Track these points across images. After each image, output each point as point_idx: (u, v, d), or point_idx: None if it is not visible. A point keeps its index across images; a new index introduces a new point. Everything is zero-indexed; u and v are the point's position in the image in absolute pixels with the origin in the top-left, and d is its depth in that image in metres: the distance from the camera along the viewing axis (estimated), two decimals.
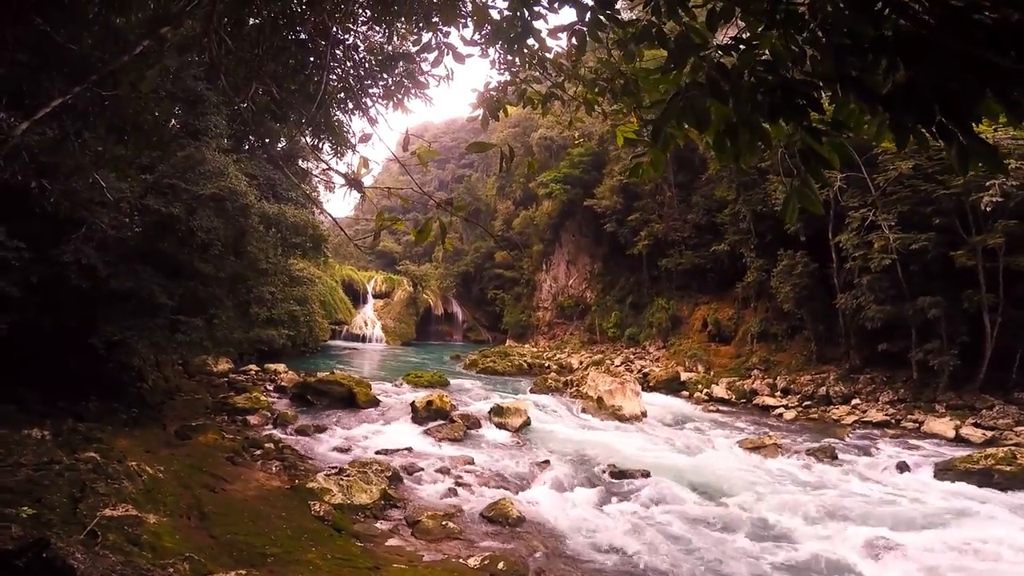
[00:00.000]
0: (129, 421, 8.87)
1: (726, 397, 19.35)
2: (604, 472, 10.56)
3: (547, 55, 3.47)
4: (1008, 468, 9.84)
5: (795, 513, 8.53)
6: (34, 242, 6.91)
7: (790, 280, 18.73)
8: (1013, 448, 10.70)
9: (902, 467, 10.98)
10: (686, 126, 2.34)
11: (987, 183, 12.87)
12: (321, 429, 12.12)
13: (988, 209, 12.89)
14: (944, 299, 14.26)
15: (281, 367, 18.41)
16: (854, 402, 16.40)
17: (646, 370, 24.39)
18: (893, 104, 1.93)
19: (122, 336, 8.60)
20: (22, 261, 6.72)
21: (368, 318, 38.62)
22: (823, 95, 2.12)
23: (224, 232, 9.32)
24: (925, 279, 14.85)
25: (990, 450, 10.74)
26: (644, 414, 16.02)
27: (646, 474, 10.23)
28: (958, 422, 13.49)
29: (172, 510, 5.59)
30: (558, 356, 30.49)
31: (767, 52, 2.15)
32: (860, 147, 15.04)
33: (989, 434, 12.80)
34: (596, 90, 3.50)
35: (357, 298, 39.82)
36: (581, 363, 27.27)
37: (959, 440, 12.97)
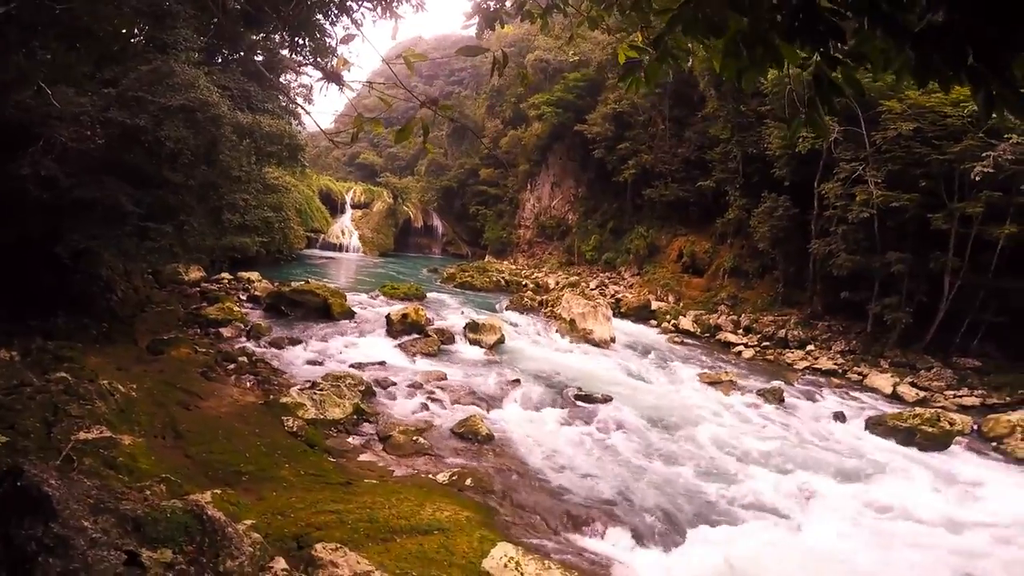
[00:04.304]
0: (99, 337, 8.84)
1: (691, 330, 20.12)
2: (570, 394, 11.07)
3: None
4: (930, 429, 10.38)
5: (738, 451, 9.14)
6: None
7: (769, 221, 19.01)
8: (939, 411, 11.27)
9: (839, 417, 11.54)
10: (690, 47, 2.24)
11: (983, 154, 12.79)
12: (295, 342, 12.21)
13: (977, 179, 12.87)
14: (912, 257, 14.61)
15: (255, 275, 18.18)
16: (809, 348, 17.20)
17: (619, 296, 24.98)
18: (923, 44, 1.85)
19: (88, 244, 8.41)
20: None
21: (346, 228, 37.94)
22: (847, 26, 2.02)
23: (194, 142, 8.91)
24: (898, 237, 15.12)
25: (919, 410, 11.26)
26: (613, 339, 16.67)
27: (608, 399, 10.81)
28: (897, 379, 14.17)
29: (147, 430, 5.78)
30: (536, 275, 30.83)
31: None
32: (864, 103, 14.67)
33: (922, 394, 13.43)
34: (603, 5, 3.19)
35: (335, 208, 38.83)
36: (557, 283, 27.71)
37: (895, 397, 13.60)
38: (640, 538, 6.20)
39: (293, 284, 15.97)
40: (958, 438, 10.47)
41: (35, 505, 3.27)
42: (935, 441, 10.23)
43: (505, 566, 4.56)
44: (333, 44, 9.22)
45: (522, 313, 19.36)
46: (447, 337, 13.99)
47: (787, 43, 2.01)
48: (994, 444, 10.61)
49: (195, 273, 16.36)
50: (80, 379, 5.98)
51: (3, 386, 5.14)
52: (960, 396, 13.25)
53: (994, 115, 1.92)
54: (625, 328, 18.96)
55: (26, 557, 2.78)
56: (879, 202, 14.70)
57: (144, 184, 8.78)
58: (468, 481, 6.79)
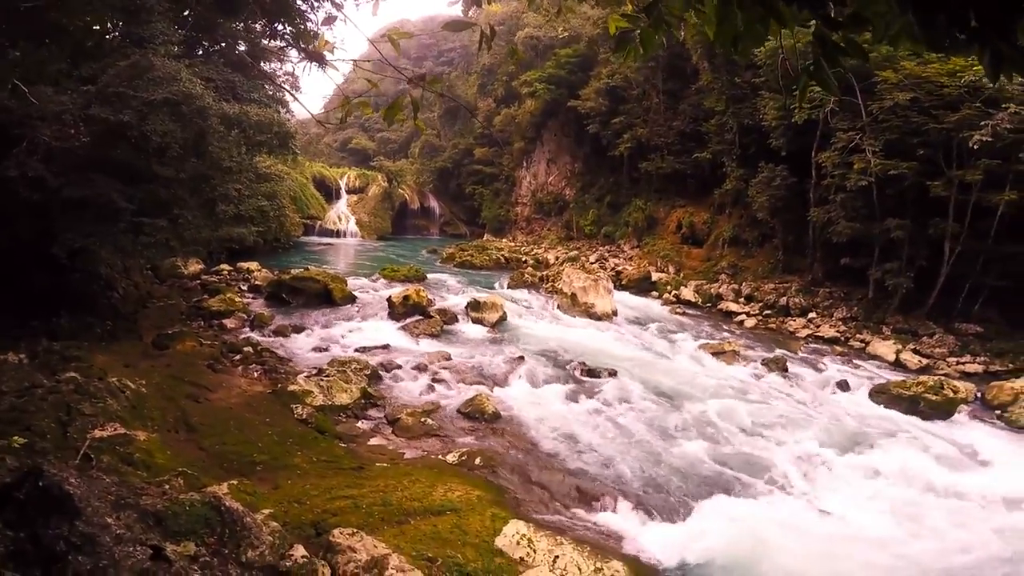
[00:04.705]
0: (104, 334, 8.89)
1: (693, 300, 20.17)
2: (575, 369, 11.18)
3: None
4: (934, 398, 10.29)
5: (742, 421, 9.16)
6: None
7: (768, 191, 18.98)
8: (942, 378, 11.19)
9: (843, 386, 11.50)
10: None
11: (981, 123, 12.70)
12: (299, 329, 12.27)
13: (975, 147, 12.79)
14: (912, 223, 14.58)
15: (254, 265, 18.18)
16: (810, 315, 17.19)
17: (619, 268, 24.99)
18: (924, 5, 1.83)
19: (84, 243, 8.38)
20: None
21: (342, 213, 37.72)
22: None
23: (181, 134, 8.81)
24: (897, 204, 15.06)
25: (922, 378, 11.12)
26: (615, 313, 16.74)
27: (613, 373, 10.91)
28: (900, 346, 14.13)
29: (160, 424, 5.87)
30: (535, 251, 30.80)
31: None
32: (860, 73, 14.50)
33: (925, 362, 13.36)
34: None
35: (330, 194, 38.56)
36: (557, 259, 27.70)
37: (897, 364, 13.50)
38: (650, 511, 6.29)
39: (293, 272, 15.96)
40: (962, 406, 10.38)
41: (58, 504, 3.33)
42: (939, 409, 10.17)
43: (518, 543, 4.70)
44: (315, 28, 9.09)
45: (523, 289, 19.43)
46: (449, 317, 14.06)
47: (786, 5, 1.97)
48: (998, 412, 10.54)
49: (194, 266, 16.35)
50: (89, 378, 6.05)
51: (15, 389, 5.21)
52: (963, 363, 13.20)
53: (1002, 76, 1.90)
54: (627, 300, 19.02)
55: (56, 556, 2.86)
56: (877, 170, 14.66)
57: (134, 180, 8.74)
58: (477, 460, 6.91)
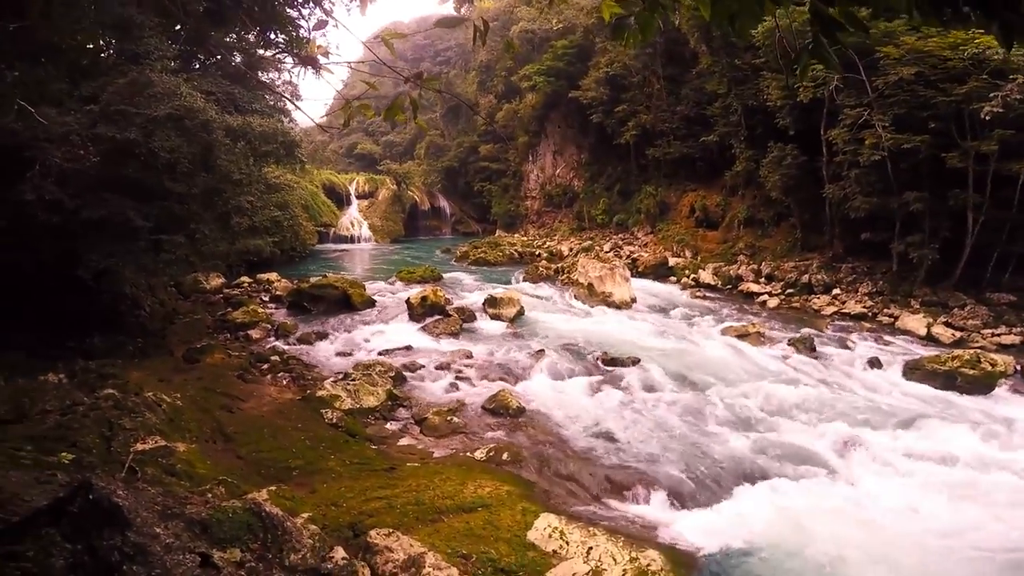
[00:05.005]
0: (136, 352, 9.17)
1: (712, 283, 19.97)
2: (596, 360, 11.18)
3: None
4: (971, 372, 9.92)
5: (772, 404, 8.99)
6: None
7: (779, 170, 18.80)
8: (978, 351, 10.85)
9: (874, 363, 11.18)
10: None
11: (991, 94, 12.40)
12: (322, 336, 12.49)
13: (987, 118, 12.49)
14: (930, 196, 14.30)
15: (273, 276, 18.50)
16: (835, 292, 16.86)
17: (635, 255, 24.83)
18: None
19: (107, 264, 8.60)
20: None
21: (354, 219, 38.14)
22: None
23: (188, 149, 8.96)
24: (913, 177, 14.78)
25: (957, 352, 10.77)
26: (633, 300, 16.67)
27: (636, 361, 10.87)
28: (930, 320, 13.74)
29: (197, 435, 6.05)
30: (548, 244, 30.77)
31: None
32: (861, 50, 14.29)
33: (958, 335, 12.95)
34: None
35: (341, 201, 38.97)
36: (571, 250, 27.63)
37: (930, 339, 13.08)
38: (684, 499, 6.24)
39: (312, 280, 16.23)
40: (1001, 380, 9.99)
41: (109, 516, 3.44)
42: (977, 384, 9.82)
43: (550, 536, 4.74)
44: (307, 34, 9.18)
45: (538, 283, 19.45)
46: (468, 315, 14.16)
47: None
48: None
49: (216, 280, 16.70)
50: (127, 393, 6.25)
51: (58, 407, 5.42)
52: (999, 335, 12.74)
53: (1016, 45, 1.87)
54: (645, 287, 18.92)
55: (111, 567, 2.98)
56: (889, 145, 14.44)
57: (149, 197, 8.90)
58: (505, 456, 6.97)
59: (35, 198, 7.18)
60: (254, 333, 12.23)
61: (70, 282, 8.36)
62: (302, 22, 8.43)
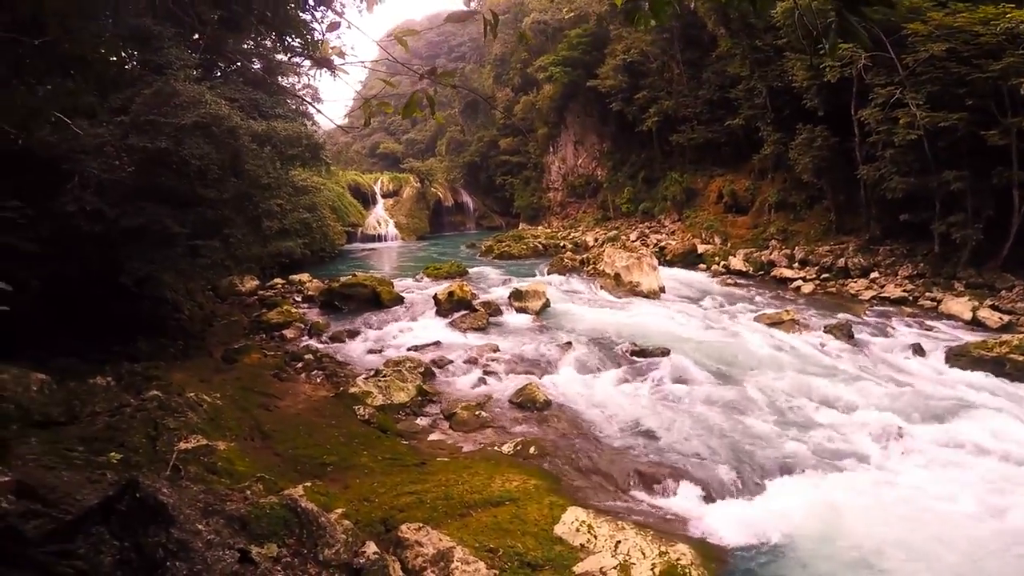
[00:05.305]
0: (178, 354, 9.58)
1: (743, 269, 19.49)
2: (625, 351, 11.04)
3: None
4: (1020, 358, 9.37)
5: (810, 394, 8.68)
6: (32, 199, 6.97)
7: (810, 152, 18.28)
8: None
9: (917, 350, 10.70)
10: None
11: None
12: (353, 334, 12.76)
13: None
14: (971, 174, 13.63)
15: (305, 277, 19.00)
16: (872, 275, 16.24)
17: (662, 244, 24.45)
18: None
19: (148, 270, 9.00)
20: (27, 218, 6.83)
21: (380, 218, 38.80)
22: None
23: (217, 156, 9.24)
24: (952, 155, 14.13)
25: (1005, 336, 10.20)
26: (662, 289, 16.42)
27: (665, 352, 10.67)
28: (976, 303, 13.06)
29: (237, 434, 6.30)
30: (572, 235, 30.59)
31: None
32: (887, 27, 13.73)
33: (1006, 318, 12.26)
34: None
35: (366, 200, 39.69)
36: (596, 240, 27.40)
37: (975, 323, 12.46)
38: (715, 492, 6.11)
39: (342, 279, 16.59)
40: None
41: (154, 513, 3.61)
42: None
43: (577, 530, 4.75)
44: (322, 36, 9.34)
45: (564, 274, 19.36)
46: (494, 309, 14.24)
47: None
48: None
49: (250, 283, 17.25)
50: (170, 394, 6.55)
51: (107, 409, 5.72)
52: None
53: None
54: (673, 276, 18.62)
55: (156, 563, 3.15)
56: (925, 123, 13.88)
57: (183, 204, 9.20)
58: (532, 450, 6.99)
59: (77, 209, 7.52)
60: (288, 333, 12.60)
61: (114, 289, 8.77)
62: (315, 25, 8.57)
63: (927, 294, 14.45)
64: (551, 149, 38.50)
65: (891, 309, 14.10)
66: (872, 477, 6.45)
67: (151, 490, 3.83)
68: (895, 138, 14.69)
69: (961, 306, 13.23)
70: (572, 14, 33.58)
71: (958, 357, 10.12)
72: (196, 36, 9.48)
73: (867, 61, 15.28)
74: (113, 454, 4.70)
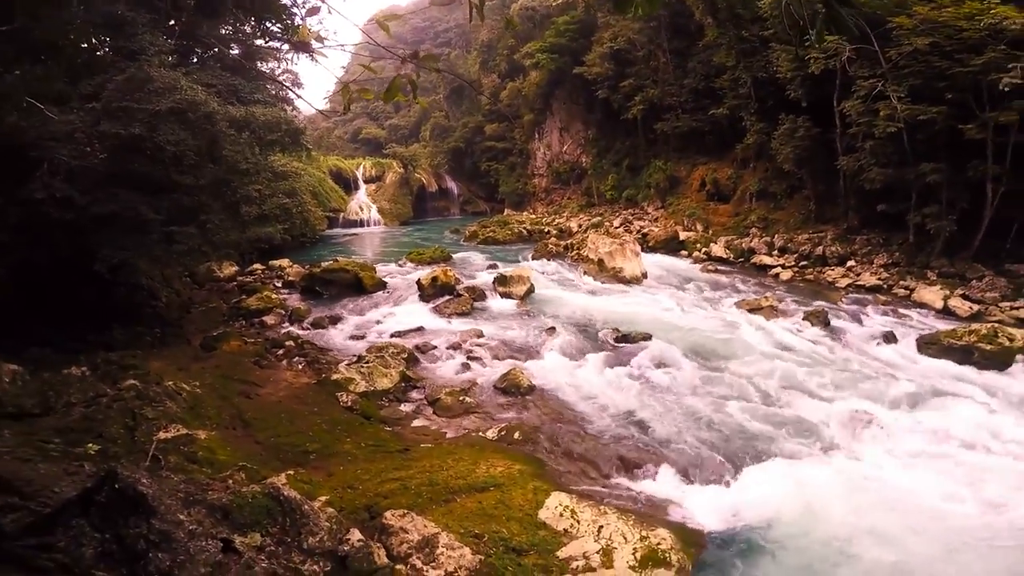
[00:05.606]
0: (155, 341, 9.40)
1: (724, 256, 19.75)
2: (608, 336, 11.19)
3: None
4: (988, 347, 9.68)
5: (785, 380, 8.91)
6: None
7: (791, 142, 18.52)
8: (996, 325, 10.55)
9: (889, 338, 10.97)
10: None
11: (1009, 65, 12.04)
12: (335, 320, 12.64)
13: (1006, 89, 12.13)
14: (948, 167, 13.94)
15: (285, 262, 18.71)
16: (849, 264, 16.58)
17: (645, 230, 24.62)
18: None
19: (121, 257, 8.79)
20: None
21: (363, 203, 38.34)
22: None
23: (193, 142, 9.03)
24: (930, 148, 14.41)
25: (974, 326, 10.50)
26: (644, 275, 16.58)
27: (647, 337, 10.84)
28: (947, 292, 13.39)
29: (217, 423, 6.23)
30: (557, 221, 30.62)
31: None
32: (872, 20, 13.82)
33: (976, 308, 12.61)
34: None
35: (349, 186, 39.14)
36: (580, 226, 27.46)
37: (946, 312, 12.79)
38: (694, 477, 6.27)
39: (323, 264, 16.37)
40: (1019, 356, 9.65)
41: (134, 504, 3.56)
42: (994, 359, 9.57)
43: (561, 515, 4.83)
44: (302, 21, 9.15)
45: (549, 260, 19.41)
46: (478, 294, 14.23)
47: None
48: None
49: (229, 268, 16.93)
50: (148, 384, 6.44)
51: (83, 399, 5.61)
52: (1017, 308, 12.35)
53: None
54: (656, 262, 18.78)
55: (137, 554, 3.12)
56: (905, 116, 14.12)
57: (158, 191, 9.01)
58: (516, 435, 7.06)
59: (46, 196, 7.29)
60: (269, 319, 12.42)
61: (87, 276, 8.54)
62: (296, 9, 8.37)
63: (901, 283, 14.81)
64: (537, 136, 38.36)
65: (866, 297, 14.44)
66: (842, 464, 6.65)
67: (130, 481, 3.77)
68: (875, 130, 14.92)
69: (933, 295, 13.58)
70: (560, 1, 33.31)
71: (929, 345, 10.40)
72: (171, 22, 9.19)
73: (851, 54, 15.44)
74: (90, 445, 4.62)
